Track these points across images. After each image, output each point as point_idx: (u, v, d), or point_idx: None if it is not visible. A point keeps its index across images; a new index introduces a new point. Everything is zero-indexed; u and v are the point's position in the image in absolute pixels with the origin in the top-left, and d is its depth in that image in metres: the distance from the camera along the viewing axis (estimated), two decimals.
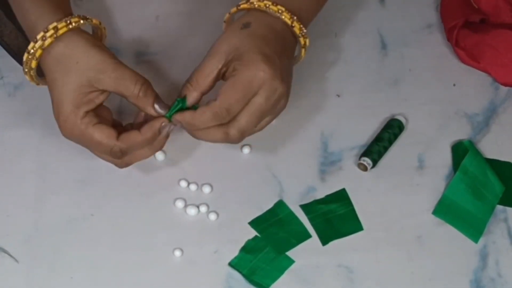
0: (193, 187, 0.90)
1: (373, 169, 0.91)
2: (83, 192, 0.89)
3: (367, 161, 0.90)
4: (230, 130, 0.80)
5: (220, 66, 0.81)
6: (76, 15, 0.81)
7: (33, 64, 0.81)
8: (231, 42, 0.81)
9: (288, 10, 0.83)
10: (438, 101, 0.97)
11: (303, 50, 0.86)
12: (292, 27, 0.83)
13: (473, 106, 0.97)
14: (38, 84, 0.84)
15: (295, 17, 0.83)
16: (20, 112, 0.93)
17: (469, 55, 0.99)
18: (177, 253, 0.86)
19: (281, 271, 0.86)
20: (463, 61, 0.99)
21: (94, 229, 0.87)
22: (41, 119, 0.92)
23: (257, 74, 0.79)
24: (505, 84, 0.98)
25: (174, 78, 0.96)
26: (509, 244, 0.88)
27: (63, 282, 0.84)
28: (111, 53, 0.81)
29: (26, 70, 0.82)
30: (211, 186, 0.90)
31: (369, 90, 0.98)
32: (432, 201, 0.90)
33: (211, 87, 0.81)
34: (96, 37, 0.85)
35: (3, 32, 0.95)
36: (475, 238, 0.88)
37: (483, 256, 0.88)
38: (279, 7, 0.83)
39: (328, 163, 0.92)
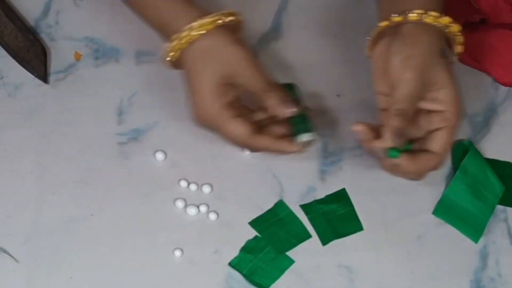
0: (193, 187, 0.90)
1: (373, 169, 0.91)
2: (83, 192, 0.89)
3: (305, 136, 0.86)
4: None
5: (420, 87, 0.82)
6: (220, 13, 0.85)
7: (177, 54, 0.84)
8: (428, 70, 0.82)
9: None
10: None
11: (459, 47, 0.87)
12: (449, 27, 0.85)
13: (473, 106, 0.97)
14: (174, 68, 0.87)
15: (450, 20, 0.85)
16: (20, 112, 0.93)
17: (469, 55, 0.99)
18: (177, 253, 0.86)
19: (281, 271, 0.86)
20: (463, 61, 0.99)
21: (94, 229, 0.87)
22: (41, 119, 0.92)
23: (462, 120, 0.84)
24: (505, 84, 0.98)
25: (174, 78, 0.96)
26: (509, 244, 0.88)
27: (63, 282, 0.84)
28: (251, 50, 0.85)
29: (169, 58, 0.85)
30: (211, 186, 0.90)
31: (369, 90, 0.97)
32: (432, 201, 0.90)
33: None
34: (236, 30, 0.88)
35: (3, 32, 0.96)
36: (475, 238, 0.88)
37: (483, 256, 0.88)
38: (447, 18, 0.84)
39: (328, 163, 0.92)
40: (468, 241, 0.88)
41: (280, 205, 0.89)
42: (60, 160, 0.90)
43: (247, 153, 0.92)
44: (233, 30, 0.87)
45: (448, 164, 0.92)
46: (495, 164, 0.92)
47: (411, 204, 0.90)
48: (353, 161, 0.92)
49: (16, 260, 0.85)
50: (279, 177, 0.91)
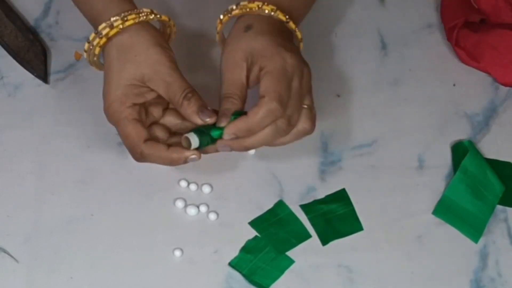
0: (193, 187, 0.90)
1: (373, 169, 0.92)
2: (83, 192, 0.89)
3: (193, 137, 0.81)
4: (277, 122, 0.79)
5: (245, 74, 0.81)
6: (146, 8, 0.83)
7: (97, 50, 0.83)
8: (243, 47, 0.81)
9: (280, 9, 0.84)
10: (438, 101, 0.97)
11: (301, 44, 0.87)
12: (287, 22, 0.84)
13: (473, 106, 0.97)
14: (99, 69, 0.86)
15: (287, 16, 0.84)
16: (20, 112, 0.93)
17: (469, 55, 0.99)
18: (177, 253, 0.86)
19: (281, 271, 0.86)
20: (463, 61, 0.99)
21: (94, 229, 0.87)
22: (41, 119, 0.92)
23: (287, 60, 0.80)
24: (505, 84, 0.98)
25: None
26: (509, 244, 0.88)
27: (63, 282, 0.84)
28: (171, 55, 0.83)
29: (90, 54, 0.84)
30: (211, 186, 0.90)
31: (369, 90, 0.97)
32: (432, 201, 0.90)
33: (246, 96, 0.81)
34: (164, 34, 0.87)
35: (3, 32, 0.96)
36: (475, 238, 0.88)
37: (483, 256, 0.88)
38: (271, 6, 0.83)
39: (328, 163, 0.92)
40: (468, 241, 0.88)
41: (280, 205, 0.89)
42: (60, 160, 0.90)
43: (251, 153, 0.92)
44: (163, 33, 0.87)
45: (448, 164, 0.92)
46: (495, 164, 0.92)
47: (411, 204, 0.90)
48: (353, 161, 0.92)
49: (16, 260, 0.85)
50: (279, 177, 0.91)
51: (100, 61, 0.86)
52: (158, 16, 0.85)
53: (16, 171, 0.90)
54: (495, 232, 0.89)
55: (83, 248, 0.86)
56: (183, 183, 0.90)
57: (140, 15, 0.83)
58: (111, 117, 0.82)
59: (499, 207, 0.90)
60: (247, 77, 0.81)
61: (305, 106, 0.82)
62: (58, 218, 0.87)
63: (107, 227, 0.87)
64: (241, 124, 0.79)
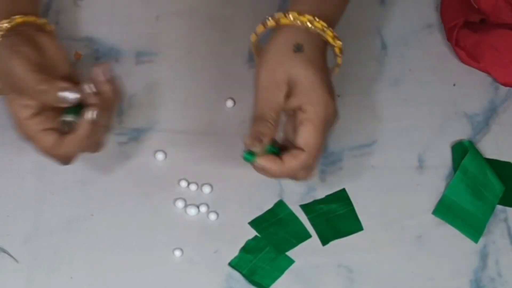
0: (193, 187, 0.90)
1: (373, 169, 0.92)
2: (83, 192, 0.89)
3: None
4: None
5: (283, 96, 0.78)
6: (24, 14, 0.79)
7: None
8: (288, 70, 0.78)
9: (327, 22, 0.81)
10: (438, 101, 0.97)
11: (337, 70, 0.85)
12: (334, 46, 0.82)
13: (473, 106, 0.97)
14: None
15: (336, 35, 0.82)
16: None
17: (469, 55, 0.99)
18: (177, 253, 0.86)
19: (281, 271, 0.86)
20: (463, 61, 0.99)
21: (94, 229, 0.87)
22: None
23: (329, 110, 0.78)
24: (505, 84, 0.98)
25: (174, 78, 0.96)
26: (509, 244, 0.88)
27: (63, 282, 0.84)
28: (26, 54, 0.77)
29: None
30: (211, 186, 0.90)
31: (369, 90, 0.97)
32: (432, 201, 0.90)
33: (280, 120, 0.79)
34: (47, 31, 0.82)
35: None
36: (475, 238, 0.88)
37: (483, 256, 0.88)
38: (321, 23, 0.80)
39: (328, 163, 0.92)
40: (468, 241, 0.88)
41: (280, 205, 0.89)
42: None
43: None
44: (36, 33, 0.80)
45: (448, 164, 0.92)
46: (495, 164, 0.92)
47: (411, 204, 0.90)
48: (353, 161, 0.92)
49: (16, 260, 0.85)
50: None
51: None
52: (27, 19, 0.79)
53: (16, 171, 0.90)
54: (495, 232, 0.89)
55: (83, 248, 0.86)
56: (183, 183, 0.90)
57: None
58: (23, 137, 0.79)
59: (499, 207, 0.90)
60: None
61: None
62: (58, 218, 0.87)
63: (107, 227, 0.87)
64: (273, 165, 0.78)
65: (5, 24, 0.79)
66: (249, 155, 0.78)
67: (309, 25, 0.80)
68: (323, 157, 0.92)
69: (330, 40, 0.81)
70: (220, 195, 0.90)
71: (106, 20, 0.99)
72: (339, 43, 0.82)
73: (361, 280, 0.86)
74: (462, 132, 0.95)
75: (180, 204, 0.89)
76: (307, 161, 0.78)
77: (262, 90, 0.78)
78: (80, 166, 0.90)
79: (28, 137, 0.79)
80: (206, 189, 0.90)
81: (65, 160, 0.79)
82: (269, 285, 0.85)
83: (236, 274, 0.86)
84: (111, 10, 1.00)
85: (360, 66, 0.99)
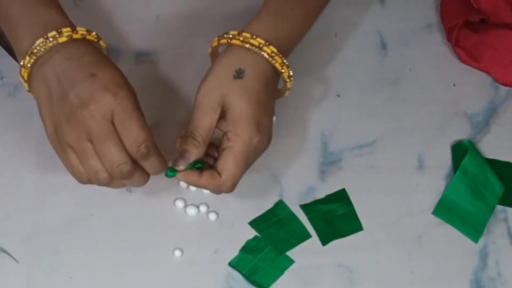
0: (193, 187, 0.90)
1: (373, 169, 0.92)
2: (83, 192, 0.89)
3: None
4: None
5: (217, 118, 0.80)
6: (80, 29, 0.79)
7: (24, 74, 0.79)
8: (224, 94, 0.80)
9: (279, 48, 0.81)
10: (438, 101, 0.97)
11: (287, 92, 0.85)
12: (282, 72, 0.83)
13: (473, 106, 0.97)
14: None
15: (285, 61, 0.82)
16: (20, 112, 0.93)
17: (469, 55, 0.99)
18: (177, 253, 0.86)
19: (281, 271, 0.86)
20: (463, 61, 0.99)
21: (94, 229, 0.87)
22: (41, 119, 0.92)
23: (253, 143, 0.80)
24: (505, 84, 0.98)
25: (174, 78, 0.96)
26: (509, 244, 0.88)
27: (63, 282, 0.84)
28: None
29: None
30: None
31: (369, 90, 0.98)
32: (432, 201, 0.90)
33: (209, 141, 0.81)
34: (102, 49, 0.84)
35: (3, 32, 0.95)
36: (475, 238, 0.88)
37: (483, 256, 0.88)
38: (271, 48, 0.81)
39: (328, 163, 0.92)
40: (468, 241, 0.88)
41: (280, 205, 0.89)
42: (60, 160, 0.90)
43: None
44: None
45: (448, 164, 0.92)
46: (495, 164, 0.92)
47: (411, 204, 0.90)
48: (353, 161, 0.92)
49: (16, 260, 0.85)
50: (279, 177, 0.91)
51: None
52: (95, 37, 0.81)
53: (16, 171, 0.90)
54: (495, 232, 0.89)
55: (83, 248, 0.86)
56: (183, 183, 0.90)
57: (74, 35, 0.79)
58: (57, 153, 0.79)
59: (499, 207, 0.90)
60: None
61: None
62: (58, 218, 0.87)
63: (107, 227, 0.87)
64: (193, 180, 0.80)
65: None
66: (171, 172, 0.80)
67: (257, 50, 0.81)
68: (323, 157, 0.92)
69: (278, 66, 0.82)
70: (220, 195, 0.89)
71: (106, 20, 0.99)
72: (287, 70, 0.83)
73: (361, 280, 0.86)
74: (462, 132, 0.95)
75: (180, 204, 0.89)
76: (222, 186, 0.80)
77: (197, 110, 0.80)
78: None
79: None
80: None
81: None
82: (269, 285, 0.85)
83: (236, 274, 0.86)
84: (111, 10, 1.00)
85: (360, 66, 0.99)
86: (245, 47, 0.81)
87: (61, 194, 0.89)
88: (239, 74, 0.81)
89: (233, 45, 0.82)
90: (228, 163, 0.80)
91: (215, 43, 0.84)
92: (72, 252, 0.86)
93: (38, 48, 0.77)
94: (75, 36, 0.78)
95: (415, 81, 0.98)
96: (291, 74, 0.83)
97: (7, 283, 0.84)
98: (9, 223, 0.87)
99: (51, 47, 0.77)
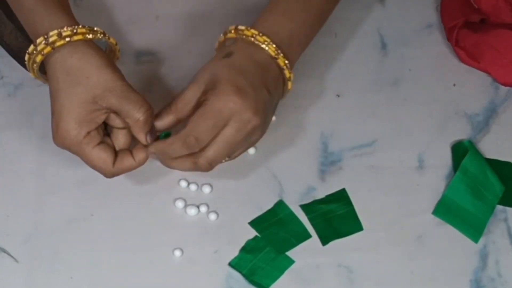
0: (193, 187, 0.90)
1: (373, 169, 0.92)
2: (83, 192, 0.89)
3: None
4: (199, 160, 0.80)
5: (199, 95, 0.80)
6: (93, 28, 0.81)
7: (38, 58, 0.80)
8: (211, 71, 0.81)
9: (275, 42, 0.82)
10: (438, 101, 0.97)
11: (289, 83, 0.85)
12: (276, 59, 0.82)
13: (473, 106, 0.97)
14: (44, 81, 0.84)
15: (279, 50, 0.82)
16: (20, 112, 0.93)
17: (469, 55, 0.99)
18: (177, 253, 0.86)
19: (281, 271, 0.86)
20: (463, 61, 0.99)
21: (94, 229, 0.87)
22: (41, 119, 0.92)
23: (227, 104, 0.78)
24: (505, 84, 0.98)
25: (174, 78, 0.96)
26: (509, 244, 0.88)
27: (63, 282, 0.84)
28: (122, 75, 0.81)
29: (30, 64, 0.82)
30: (211, 186, 0.90)
31: (369, 90, 0.98)
32: (432, 201, 0.90)
33: (189, 114, 0.81)
34: (110, 55, 0.85)
35: (3, 32, 0.95)
36: (475, 238, 0.88)
37: (483, 256, 0.88)
38: (265, 37, 0.82)
39: (328, 163, 0.92)
40: (468, 241, 0.88)
41: (280, 205, 0.89)
42: (60, 160, 0.90)
43: (251, 152, 0.92)
44: (109, 55, 0.85)
45: (448, 164, 0.92)
46: (495, 164, 0.92)
47: (411, 204, 0.90)
48: (353, 161, 0.92)
49: (16, 260, 0.85)
50: (279, 177, 0.91)
51: (39, 73, 0.83)
52: (107, 37, 0.83)
53: (16, 171, 0.90)
54: (495, 232, 0.89)
55: (83, 248, 0.86)
56: (183, 183, 0.90)
57: (91, 32, 0.81)
58: (71, 147, 0.80)
59: (499, 207, 0.90)
60: (201, 99, 0.80)
61: (227, 159, 0.83)
62: (58, 218, 0.87)
63: (107, 227, 0.87)
64: (159, 146, 0.81)
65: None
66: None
67: (251, 37, 0.82)
68: (323, 157, 0.92)
69: (281, 63, 0.83)
70: (220, 195, 0.90)
71: (106, 20, 0.99)
72: (288, 73, 0.84)
73: (361, 280, 0.86)
74: (462, 132, 0.95)
75: (180, 204, 0.89)
76: (187, 140, 0.79)
77: (187, 85, 0.81)
78: (80, 166, 0.90)
79: (79, 150, 0.81)
80: (206, 189, 0.90)
81: (110, 177, 0.83)
82: (269, 285, 0.85)
83: (236, 274, 0.86)
84: (111, 10, 1.00)
85: (360, 66, 0.99)
86: (241, 37, 0.82)
87: (61, 194, 0.89)
88: (227, 55, 0.82)
89: (231, 38, 0.83)
90: (195, 117, 0.79)
91: (221, 39, 0.85)
92: (72, 252, 0.86)
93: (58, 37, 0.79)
94: (76, 38, 0.80)
95: (415, 81, 0.98)
96: (287, 62, 0.83)
97: (7, 283, 0.84)
98: (9, 223, 0.87)
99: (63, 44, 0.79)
